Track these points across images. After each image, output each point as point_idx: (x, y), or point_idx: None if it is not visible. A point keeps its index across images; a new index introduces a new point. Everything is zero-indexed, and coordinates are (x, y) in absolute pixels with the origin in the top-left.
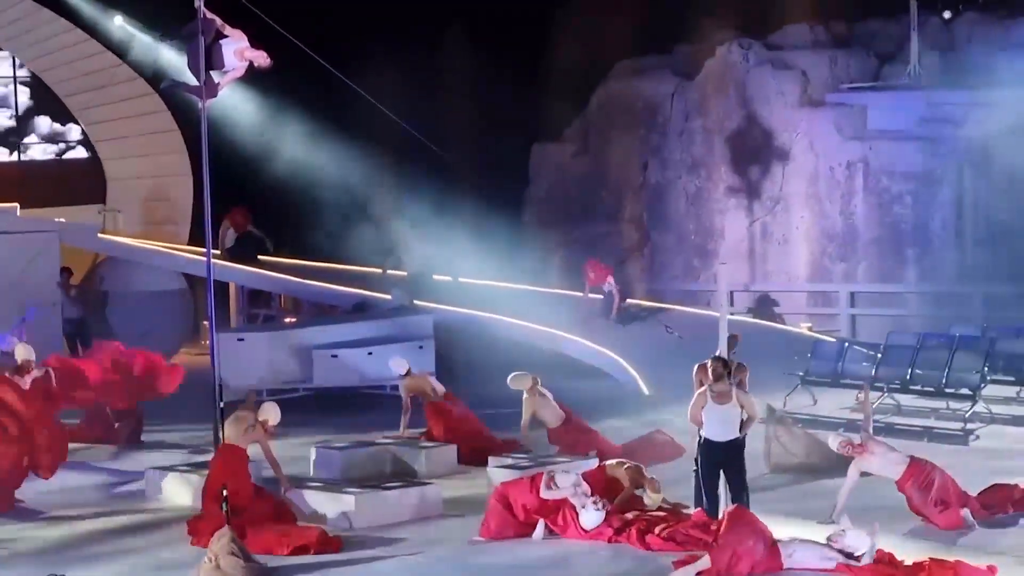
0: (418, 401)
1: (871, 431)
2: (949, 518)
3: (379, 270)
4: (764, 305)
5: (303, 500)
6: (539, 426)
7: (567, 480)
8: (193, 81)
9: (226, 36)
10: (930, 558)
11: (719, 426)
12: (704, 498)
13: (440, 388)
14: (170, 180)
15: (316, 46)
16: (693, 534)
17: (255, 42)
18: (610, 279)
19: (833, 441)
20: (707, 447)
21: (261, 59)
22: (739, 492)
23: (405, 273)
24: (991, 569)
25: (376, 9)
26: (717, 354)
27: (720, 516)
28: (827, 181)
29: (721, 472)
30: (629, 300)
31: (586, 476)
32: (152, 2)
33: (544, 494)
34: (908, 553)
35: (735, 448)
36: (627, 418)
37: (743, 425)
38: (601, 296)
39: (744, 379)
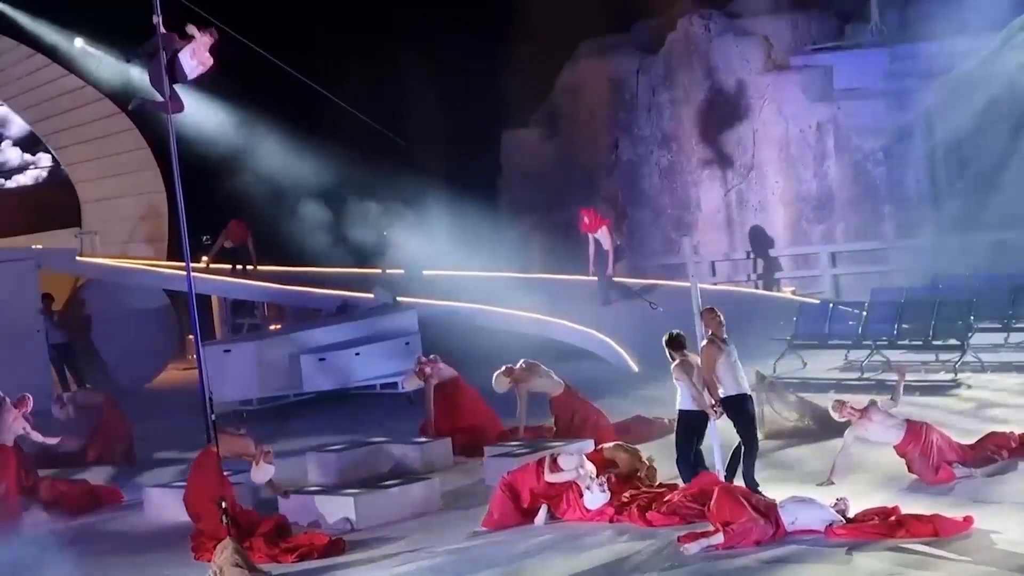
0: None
1: (888, 402)
2: (942, 476)
3: (378, 270)
4: (769, 272)
5: (303, 506)
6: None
7: (570, 462)
8: (160, 97)
9: (180, 48)
10: (908, 513)
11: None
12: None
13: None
14: (144, 198)
15: (275, 46)
16: (692, 506)
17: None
18: (604, 229)
19: (834, 412)
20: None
21: (207, 42)
22: (750, 447)
23: (401, 270)
24: (967, 520)
25: (334, 5)
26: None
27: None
28: (798, 144)
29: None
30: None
31: (585, 458)
32: (111, 22)
33: (549, 477)
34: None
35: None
36: (618, 396)
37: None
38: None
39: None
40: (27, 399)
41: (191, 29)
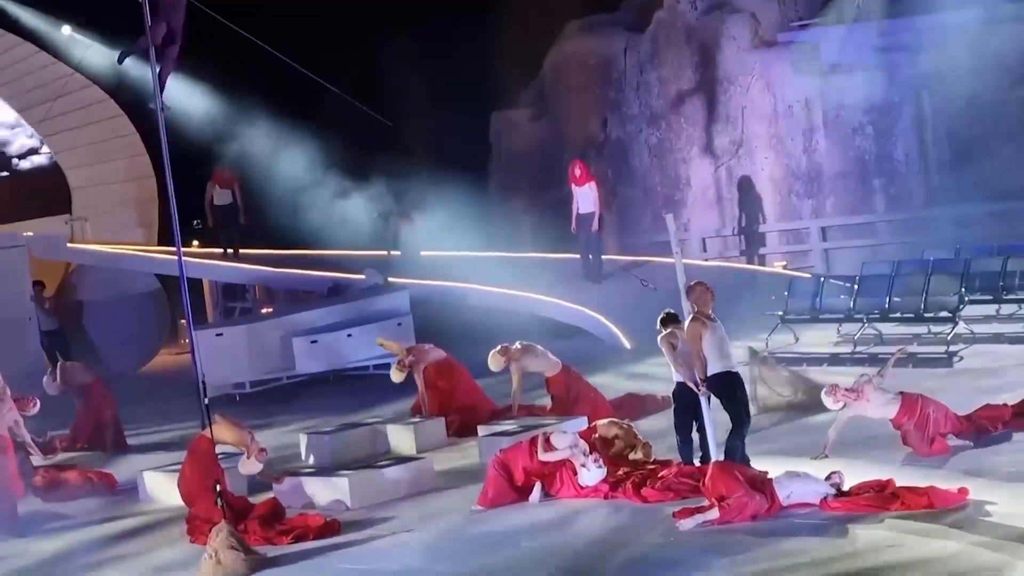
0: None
1: (877, 377)
2: (936, 448)
3: (384, 253)
4: (752, 245)
5: (297, 488)
6: (530, 395)
7: (564, 440)
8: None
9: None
10: (903, 486)
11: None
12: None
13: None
14: (133, 183)
15: (262, 30)
16: (686, 481)
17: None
18: (592, 184)
19: (827, 397)
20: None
21: None
22: (740, 423)
23: (399, 253)
24: (962, 491)
25: None
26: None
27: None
28: (787, 120)
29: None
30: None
31: (579, 436)
32: (98, 8)
33: (543, 456)
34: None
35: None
36: (612, 373)
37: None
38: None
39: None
40: (33, 402)
41: None
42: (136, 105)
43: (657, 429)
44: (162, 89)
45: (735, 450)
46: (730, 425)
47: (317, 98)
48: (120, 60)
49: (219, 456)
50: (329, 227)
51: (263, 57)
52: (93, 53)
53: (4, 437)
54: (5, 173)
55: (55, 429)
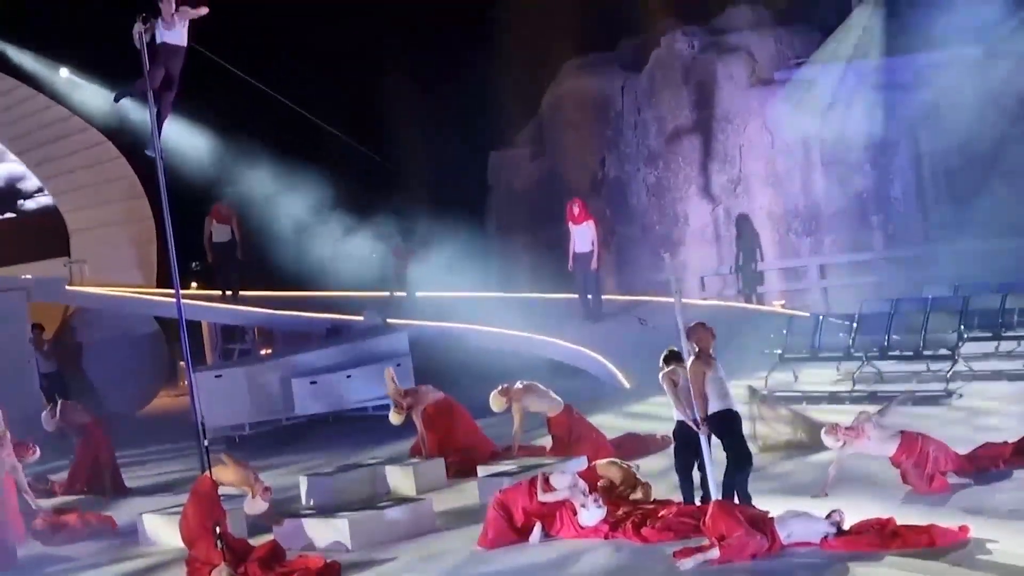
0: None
1: (877, 416)
2: (936, 486)
3: (386, 293)
4: (750, 284)
5: (297, 530)
6: (531, 436)
7: (563, 481)
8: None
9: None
10: (903, 524)
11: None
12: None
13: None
14: (132, 225)
15: (261, 72)
16: (687, 521)
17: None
18: (591, 223)
19: (828, 437)
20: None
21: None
22: (742, 462)
23: (404, 294)
24: (963, 529)
25: (318, 32)
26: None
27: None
28: (785, 158)
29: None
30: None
31: (579, 476)
32: (96, 51)
33: (542, 497)
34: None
35: (734, 416)
36: (611, 413)
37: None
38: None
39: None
40: (32, 450)
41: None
42: (135, 148)
43: (657, 468)
44: (159, 132)
45: (734, 488)
46: (728, 464)
47: (316, 139)
48: (116, 99)
49: (222, 497)
50: (328, 268)
51: (262, 98)
52: (91, 96)
53: (5, 480)
54: (11, 214)
55: (53, 467)
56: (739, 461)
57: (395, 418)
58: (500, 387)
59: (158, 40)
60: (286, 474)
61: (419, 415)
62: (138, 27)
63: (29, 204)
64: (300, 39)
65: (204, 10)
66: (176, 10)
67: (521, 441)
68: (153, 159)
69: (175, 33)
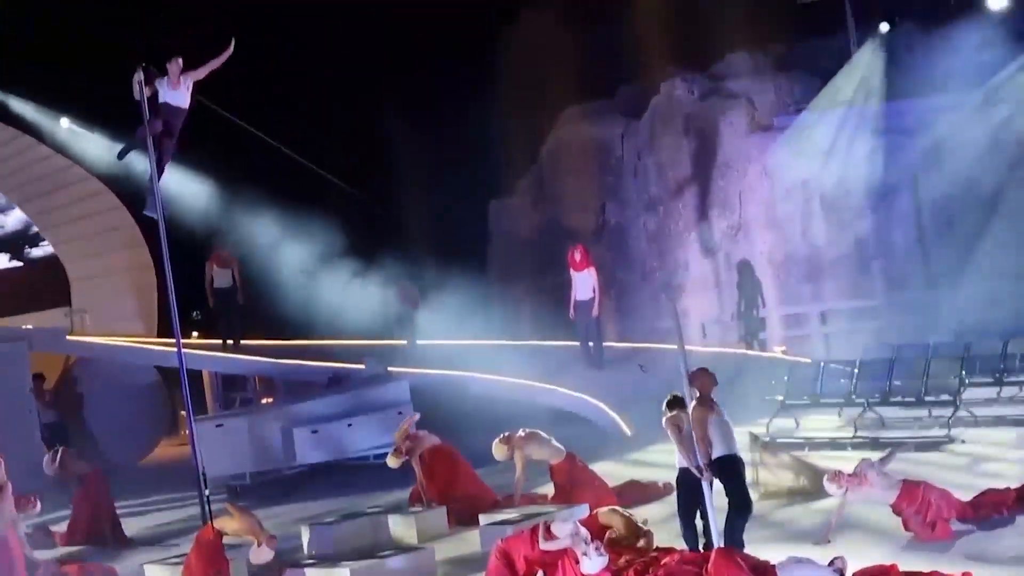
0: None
1: (879, 463)
2: (939, 533)
3: (389, 342)
4: (752, 330)
5: None
6: (533, 484)
7: (565, 529)
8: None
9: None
10: (906, 571)
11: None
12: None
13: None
14: (133, 275)
15: (261, 122)
16: (689, 568)
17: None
18: (592, 270)
19: (830, 483)
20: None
21: (215, 64)
22: (741, 508)
23: (405, 342)
24: None
25: (320, 78)
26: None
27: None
28: (785, 204)
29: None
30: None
31: (580, 524)
32: (96, 101)
33: (544, 546)
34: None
35: (737, 461)
36: (612, 460)
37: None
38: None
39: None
40: (33, 504)
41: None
42: (135, 197)
43: (659, 516)
44: (159, 175)
45: (735, 533)
46: (730, 508)
47: (317, 187)
48: (120, 156)
49: (225, 547)
50: (330, 316)
51: (262, 146)
52: (92, 145)
53: (8, 534)
54: (19, 263)
55: (54, 518)
56: (739, 507)
57: (393, 462)
58: (502, 435)
59: (160, 99)
60: (288, 523)
61: (417, 460)
62: (138, 76)
63: (35, 252)
64: (300, 88)
65: (218, 62)
66: (182, 72)
67: (523, 489)
68: (151, 215)
69: (179, 95)
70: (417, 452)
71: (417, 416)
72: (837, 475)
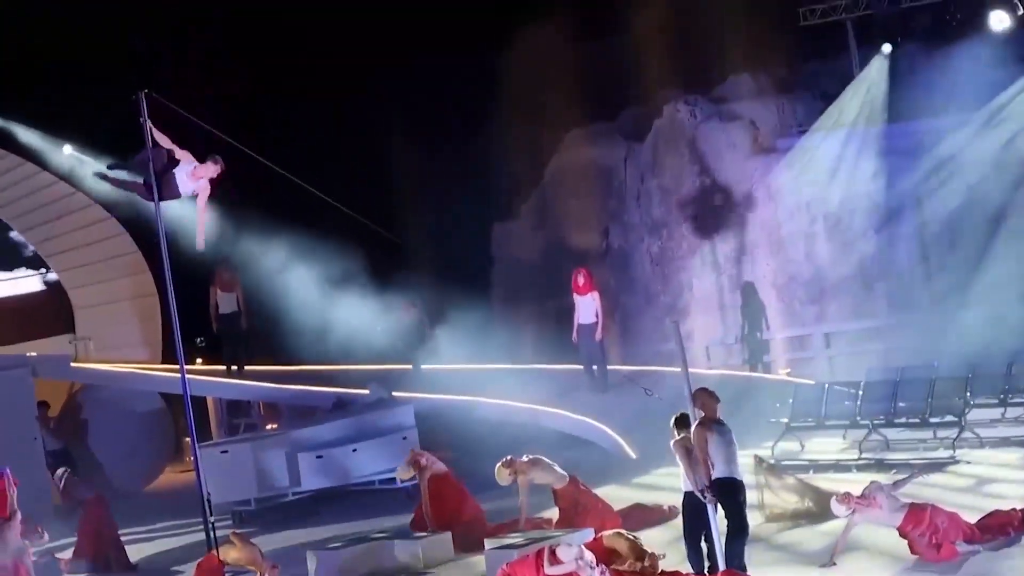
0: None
1: (890, 486)
2: (944, 554)
3: (408, 366)
4: (756, 353)
5: None
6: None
7: (569, 553)
8: (138, 179)
9: (177, 161)
10: None
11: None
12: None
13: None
14: (136, 301)
15: (263, 145)
16: None
17: (199, 153)
18: (595, 294)
19: (839, 504)
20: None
21: (213, 171)
22: (737, 532)
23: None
24: None
25: (320, 101)
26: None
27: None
28: (788, 226)
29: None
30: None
31: (585, 548)
32: (99, 128)
33: (548, 570)
34: None
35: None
36: (617, 484)
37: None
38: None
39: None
40: (40, 533)
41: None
42: (139, 224)
43: (664, 540)
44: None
45: (734, 557)
46: (728, 532)
47: (321, 213)
48: (109, 168)
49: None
50: (334, 341)
51: (264, 172)
52: (95, 172)
53: (17, 563)
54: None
55: (60, 545)
56: (736, 530)
57: (405, 473)
58: (505, 459)
59: (176, 174)
60: (293, 549)
61: (425, 481)
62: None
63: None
64: (302, 111)
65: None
66: (196, 166)
67: (528, 514)
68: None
69: (186, 184)
70: (427, 475)
71: (404, 438)
72: (846, 497)
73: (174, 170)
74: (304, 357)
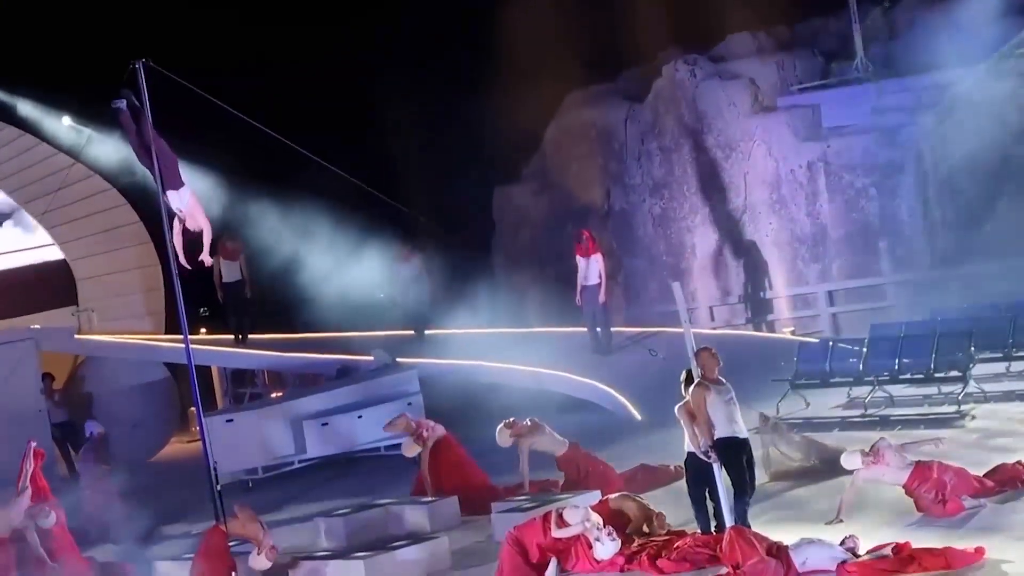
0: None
1: (901, 449)
2: (950, 509)
3: (412, 332)
4: (759, 312)
5: (312, 573)
6: (539, 470)
7: (576, 516)
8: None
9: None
10: (919, 547)
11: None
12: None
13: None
14: (139, 272)
15: (262, 113)
16: (702, 551)
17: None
18: (599, 256)
19: (851, 458)
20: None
21: (206, 226)
22: (739, 491)
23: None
24: (979, 551)
25: (321, 67)
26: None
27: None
28: (790, 184)
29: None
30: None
31: (592, 510)
32: (98, 100)
33: (556, 533)
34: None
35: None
36: (623, 446)
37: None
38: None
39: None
40: (45, 513)
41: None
42: (140, 194)
43: (671, 500)
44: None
45: (738, 516)
46: (733, 489)
47: (320, 179)
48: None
49: (232, 546)
50: (337, 307)
51: (265, 140)
52: (95, 143)
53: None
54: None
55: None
56: (738, 490)
57: (412, 450)
58: (507, 421)
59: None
60: (301, 516)
61: (428, 450)
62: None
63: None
64: (305, 77)
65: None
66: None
67: (532, 477)
68: (158, 200)
69: (176, 201)
70: (430, 442)
71: (409, 404)
72: (860, 451)
73: (174, 190)
74: (308, 324)
